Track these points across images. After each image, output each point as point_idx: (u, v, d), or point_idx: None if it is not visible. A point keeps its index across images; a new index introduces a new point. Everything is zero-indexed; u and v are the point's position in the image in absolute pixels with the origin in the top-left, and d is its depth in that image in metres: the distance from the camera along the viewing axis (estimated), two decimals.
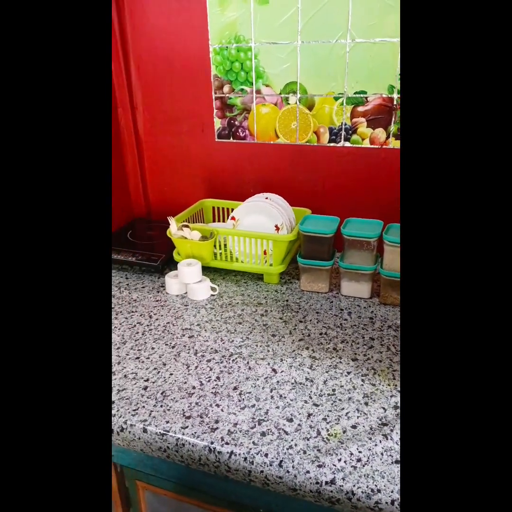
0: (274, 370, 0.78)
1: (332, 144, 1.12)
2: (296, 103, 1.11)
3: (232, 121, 1.19)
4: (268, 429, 0.66)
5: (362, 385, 0.75)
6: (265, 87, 1.12)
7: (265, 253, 1.06)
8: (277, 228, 1.06)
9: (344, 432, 0.65)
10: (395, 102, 1.03)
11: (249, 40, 1.08)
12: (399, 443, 0.63)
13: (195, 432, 0.65)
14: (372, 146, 1.08)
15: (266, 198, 1.10)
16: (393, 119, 1.04)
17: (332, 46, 1.02)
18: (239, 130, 1.19)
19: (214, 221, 1.26)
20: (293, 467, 0.60)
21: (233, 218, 1.10)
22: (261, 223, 1.07)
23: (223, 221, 1.24)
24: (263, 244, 1.04)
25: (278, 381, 0.76)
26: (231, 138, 1.21)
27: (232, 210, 1.15)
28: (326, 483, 0.58)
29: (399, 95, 1.01)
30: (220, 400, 0.71)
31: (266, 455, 0.62)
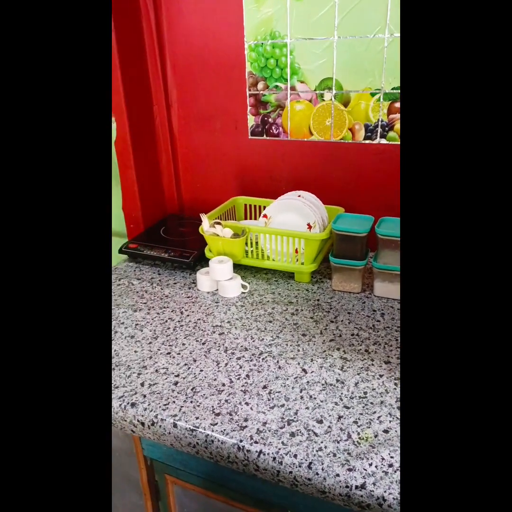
0: (304, 370, 0.78)
1: (367, 141, 1.10)
2: (331, 99, 1.09)
3: (265, 118, 1.18)
4: (298, 430, 0.65)
5: (395, 388, 0.73)
6: (299, 83, 1.10)
7: (296, 251, 1.05)
8: (310, 227, 1.05)
9: (375, 436, 0.64)
10: None
11: (284, 36, 1.07)
12: None
13: (224, 430, 0.65)
14: None
15: (299, 196, 1.09)
16: None
17: (370, 41, 1.00)
18: (273, 127, 1.18)
19: (246, 218, 1.26)
20: (322, 469, 0.59)
21: (265, 215, 1.10)
22: (293, 221, 1.06)
23: (255, 218, 1.23)
24: (294, 243, 1.03)
25: (308, 382, 0.75)
26: (265, 135, 1.20)
27: (264, 207, 1.14)
28: (356, 487, 0.57)
29: None
30: (249, 398, 0.71)
31: (295, 456, 0.61)
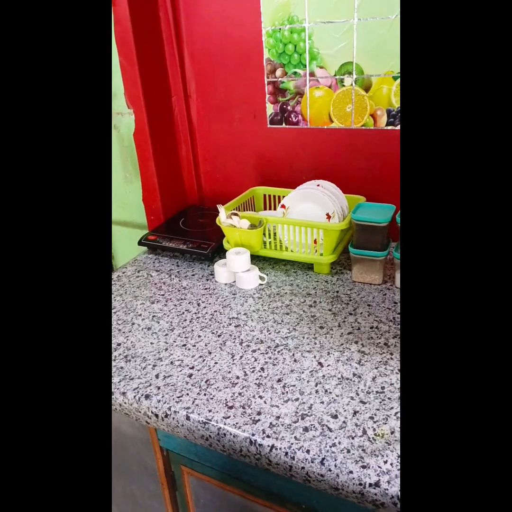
0: (320, 363, 0.76)
1: (390, 127, 1.06)
2: (351, 84, 1.05)
3: (284, 106, 1.16)
4: (311, 425, 0.64)
5: None
6: (319, 69, 1.07)
7: (315, 242, 1.03)
8: (329, 217, 1.02)
9: (392, 432, 0.62)
10: None
11: (303, 20, 1.04)
12: None
13: (237, 423, 0.65)
14: None
15: (318, 185, 1.06)
16: None
17: (392, 22, 0.95)
18: (292, 115, 1.16)
19: (265, 209, 1.24)
20: (335, 466, 0.58)
21: (283, 206, 1.08)
22: (312, 211, 1.03)
23: (275, 209, 1.22)
24: (313, 233, 1.01)
25: (323, 375, 0.73)
26: (284, 124, 1.18)
27: (284, 197, 1.12)
28: (370, 485, 0.55)
29: None
30: (263, 391, 0.70)
31: (308, 451, 0.60)
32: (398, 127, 1.04)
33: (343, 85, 1.06)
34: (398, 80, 1.00)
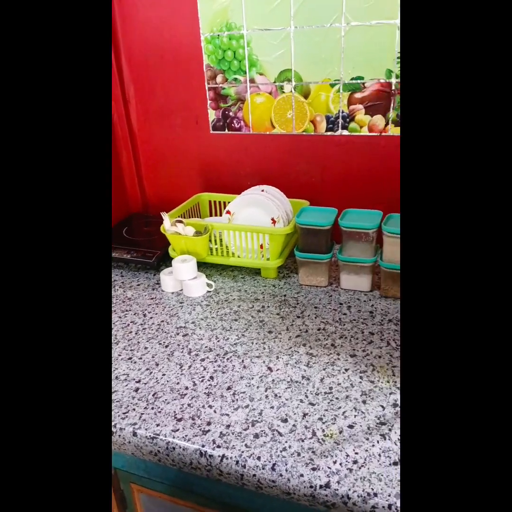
0: (269, 368, 0.76)
1: (329, 133, 1.08)
2: (291, 91, 1.07)
3: (226, 112, 1.16)
4: (262, 431, 0.64)
5: (360, 382, 0.72)
6: (259, 75, 1.08)
7: (261, 247, 1.03)
8: (274, 221, 1.03)
9: (340, 432, 0.63)
10: (393, 87, 0.99)
11: (241, 27, 1.04)
12: (397, 444, 0.61)
13: (186, 435, 0.63)
14: (371, 133, 1.05)
15: (262, 190, 1.07)
16: (392, 105, 1.00)
17: (327, 31, 0.98)
18: (234, 121, 1.16)
19: (210, 215, 1.24)
20: (286, 470, 0.58)
21: (228, 212, 1.08)
22: (257, 216, 1.04)
23: (220, 215, 1.21)
24: (259, 238, 1.02)
25: (273, 380, 0.73)
26: (226, 130, 1.18)
27: (229, 203, 1.12)
28: (321, 487, 0.56)
29: (397, 80, 0.97)
30: (213, 401, 0.69)
31: (258, 458, 0.60)
32: (337, 133, 1.07)
33: (283, 92, 1.08)
34: (335, 87, 1.03)
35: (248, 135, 1.16)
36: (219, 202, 1.21)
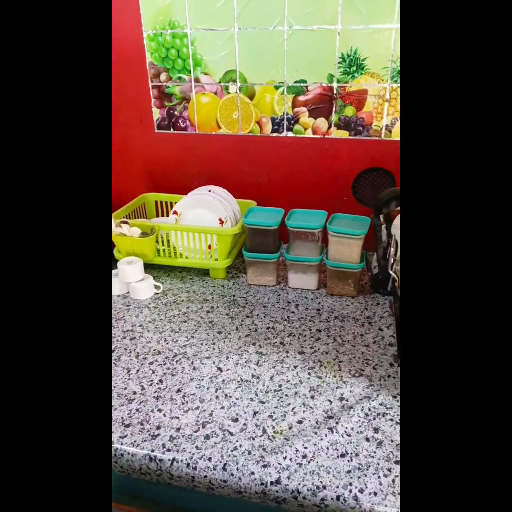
0: (219, 368, 0.76)
1: (275, 135, 1.10)
2: (236, 92, 1.08)
3: (171, 111, 1.14)
4: (212, 431, 0.64)
5: (309, 378, 0.74)
6: (203, 75, 1.08)
7: (209, 247, 1.03)
8: (221, 222, 1.03)
9: (289, 428, 0.64)
10: (335, 91, 1.02)
11: (184, 26, 1.03)
12: (344, 436, 0.63)
13: (135, 441, 0.62)
14: (315, 136, 1.07)
15: (209, 190, 1.06)
16: (334, 108, 1.03)
17: (270, 33, 0.99)
18: (180, 121, 1.15)
19: (157, 215, 1.22)
20: (237, 469, 0.58)
21: (175, 212, 1.06)
22: (205, 216, 1.03)
23: (167, 215, 1.19)
24: (207, 239, 1.01)
25: (223, 380, 0.73)
26: (172, 129, 1.16)
27: (175, 204, 1.11)
28: (271, 483, 0.57)
29: (338, 84, 1.01)
30: (162, 404, 0.68)
31: (209, 459, 0.59)
32: (283, 134, 1.09)
33: (229, 92, 1.08)
34: (280, 90, 1.05)
35: (194, 135, 1.16)
36: (166, 203, 1.20)
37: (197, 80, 1.09)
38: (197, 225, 1.02)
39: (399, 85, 0.97)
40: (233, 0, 0.98)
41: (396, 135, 1.02)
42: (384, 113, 1.01)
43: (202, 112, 1.12)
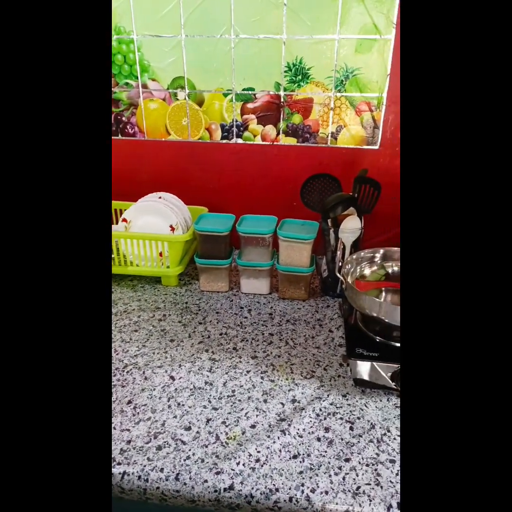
0: (172, 377, 0.75)
1: (224, 141, 1.11)
2: (185, 98, 1.07)
3: (119, 117, 1.12)
4: (165, 442, 0.63)
5: (261, 382, 0.74)
6: (151, 81, 1.07)
7: (161, 255, 1.02)
8: (172, 229, 1.02)
9: (243, 433, 0.65)
10: (282, 99, 1.04)
11: (130, 32, 1.02)
12: (296, 438, 0.64)
13: None
14: (264, 142, 1.09)
15: (160, 197, 1.05)
16: (282, 116, 1.06)
17: (217, 41, 1.00)
18: (128, 127, 1.13)
19: None
20: (190, 478, 0.58)
21: (124, 219, 1.04)
22: (155, 224, 1.02)
23: (116, 223, 1.17)
24: (158, 246, 1.00)
25: (176, 389, 0.73)
26: (120, 135, 1.14)
27: (125, 211, 1.09)
28: (225, 489, 0.57)
29: (285, 93, 1.03)
30: (112, 417, 0.67)
31: (161, 470, 0.59)
32: (233, 141, 1.10)
33: (177, 99, 1.08)
34: (228, 97, 1.05)
35: (143, 141, 1.14)
36: (114, 210, 1.17)
37: (144, 86, 1.07)
38: (147, 232, 1.01)
39: (342, 94, 1.01)
40: (180, 7, 0.98)
41: (341, 142, 1.05)
42: (330, 121, 1.04)
43: (151, 118, 1.11)
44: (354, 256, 0.86)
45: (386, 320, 0.71)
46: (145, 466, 0.59)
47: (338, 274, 0.82)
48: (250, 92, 1.04)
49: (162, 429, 0.65)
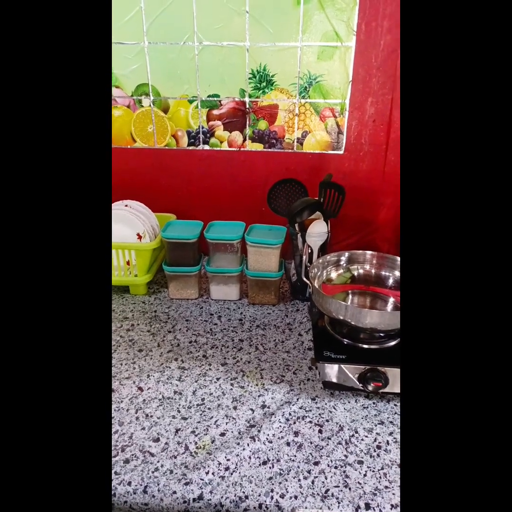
0: (140, 388, 0.74)
1: (191, 148, 1.10)
2: (150, 105, 1.07)
3: None
4: (132, 454, 0.62)
5: (231, 389, 0.74)
6: (115, 88, 1.06)
7: (128, 263, 1.00)
8: (140, 237, 1.01)
9: (212, 442, 0.64)
10: (247, 106, 1.04)
11: None
12: (266, 443, 0.64)
13: None
14: (231, 148, 1.09)
15: (126, 205, 1.04)
16: (248, 122, 1.06)
17: (181, 48, 1.00)
18: None
19: None
20: (158, 490, 0.57)
21: None
22: (122, 232, 1.01)
23: None
24: (125, 255, 0.99)
25: (144, 400, 0.72)
26: None
27: None
28: (194, 500, 0.56)
29: (250, 99, 1.03)
30: None
31: (129, 483, 0.58)
32: (199, 147, 1.10)
33: (142, 106, 1.07)
34: (194, 104, 1.05)
35: None
36: None
37: None
38: (114, 241, 0.99)
39: (306, 100, 1.02)
40: (141, 14, 0.98)
41: (307, 147, 1.07)
42: (295, 127, 1.05)
43: (116, 126, 1.10)
44: (320, 260, 0.87)
45: (353, 323, 0.72)
46: (111, 480, 0.58)
47: (304, 278, 0.83)
48: (215, 98, 1.04)
49: (129, 442, 0.64)
